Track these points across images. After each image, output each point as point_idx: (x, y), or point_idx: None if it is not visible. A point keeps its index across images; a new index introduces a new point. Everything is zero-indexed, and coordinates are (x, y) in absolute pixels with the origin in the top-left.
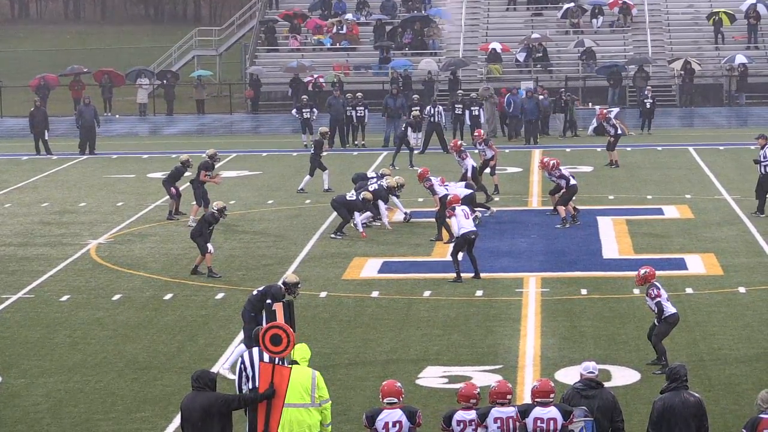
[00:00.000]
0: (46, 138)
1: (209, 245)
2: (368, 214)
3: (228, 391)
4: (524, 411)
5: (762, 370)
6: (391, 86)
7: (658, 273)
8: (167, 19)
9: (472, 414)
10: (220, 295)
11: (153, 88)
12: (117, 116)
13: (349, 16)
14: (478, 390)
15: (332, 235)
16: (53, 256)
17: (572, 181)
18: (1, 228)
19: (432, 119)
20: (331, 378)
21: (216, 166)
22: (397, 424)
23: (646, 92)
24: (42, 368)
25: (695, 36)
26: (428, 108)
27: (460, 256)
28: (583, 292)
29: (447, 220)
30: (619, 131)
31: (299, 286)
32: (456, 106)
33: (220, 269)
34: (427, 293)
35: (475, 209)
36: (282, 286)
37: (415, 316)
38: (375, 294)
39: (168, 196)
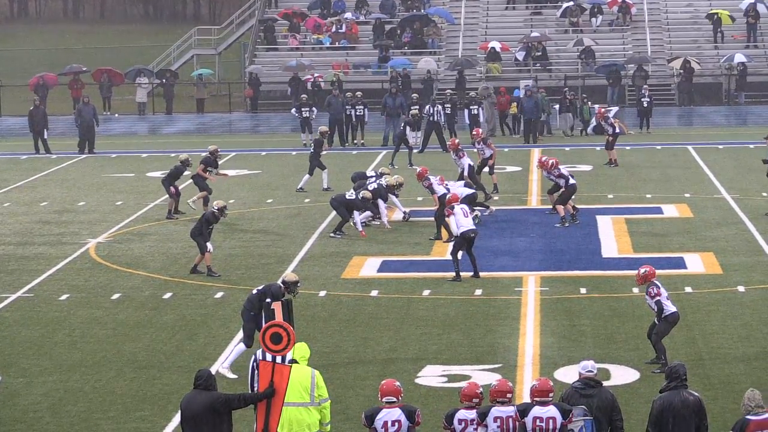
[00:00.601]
0: (46, 137)
1: (209, 244)
2: (368, 213)
3: (227, 391)
4: (523, 410)
5: (761, 369)
6: (390, 85)
7: (658, 272)
8: (166, 18)
9: (474, 413)
10: (219, 294)
11: (152, 87)
12: (116, 115)
13: (348, 15)
14: (481, 389)
15: (332, 234)
16: (52, 255)
17: (571, 180)
18: (0, 227)
19: (431, 118)
20: (331, 377)
21: (219, 164)
22: (396, 423)
23: (643, 91)
24: (41, 367)
25: (694, 35)
26: (427, 107)
27: (460, 254)
28: (583, 291)
29: (446, 219)
30: (618, 130)
31: (299, 285)
32: (445, 105)
33: (220, 268)
34: (426, 292)
35: (474, 208)
36: (281, 285)
37: (415, 315)
38: (374, 293)
39: (167, 195)
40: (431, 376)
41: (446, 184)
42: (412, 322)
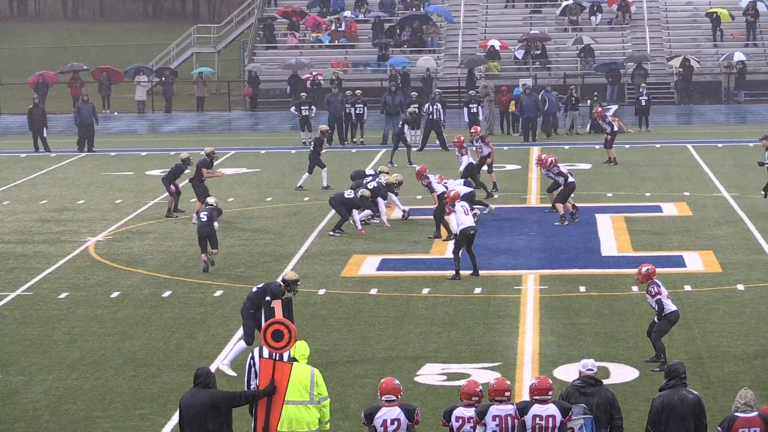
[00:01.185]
0: (45, 135)
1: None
2: (367, 212)
3: (226, 389)
4: (523, 408)
5: (760, 368)
6: (389, 84)
7: (657, 270)
8: (166, 17)
9: (471, 411)
10: (218, 293)
11: (151, 85)
12: (115, 113)
13: (347, 13)
14: (480, 388)
15: (331, 233)
16: (52, 253)
17: (570, 179)
18: None
19: (431, 117)
20: (330, 375)
21: (214, 164)
22: (396, 422)
23: (641, 90)
24: (40, 365)
25: (694, 33)
26: (426, 106)
27: (459, 252)
28: (582, 289)
29: (446, 217)
30: (616, 128)
31: (299, 283)
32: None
33: (219, 267)
34: (425, 290)
35: (474, 207)
36: (281, 283)
37: (414, 313)
38: (373, 291)
39: (167, 194)
40: (430, 374)
41: (445, 182)
42: (412, 320)
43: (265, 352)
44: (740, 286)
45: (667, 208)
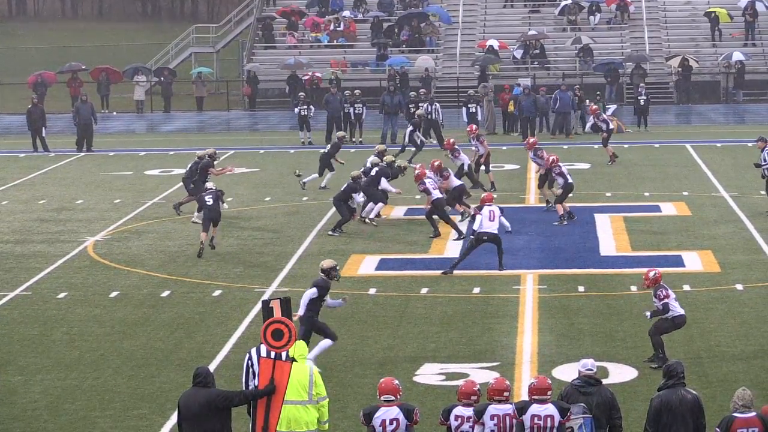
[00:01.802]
0: (44, 135)
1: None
2: (378, 206)
3: (225, 389)
4: (521, 408)
5: (759, 367)
6: (388, 83)
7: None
8: (164, 16)
9: (470, 410)
10: (217, 293)
11: (150, 85)
12: (114, 113)
13: (346, 13)
14: (478, 387)
15: (330, 232)
16: (50, 253)
17: (569, 179)
18: None
19: (429, 116)
20: (329, 375)
21: (215, 164)
22: (395, 422)
23: (640, 89)
24: (39, 365)
25: (692, 33)
26: (425, 105)
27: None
28: (581, 289)
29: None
30: (611, 126)
31: (337, 268)
32: (420, 105)
33: (217, 266)
34: (424, 290)
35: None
36: (322, 274)
37: (413, 313)
38: (372, 291)
39: (188, 193)
40: (429, 374)
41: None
42: (410, 320)
43: (264, 351)
44: (739, 286)
45: (666, 207)
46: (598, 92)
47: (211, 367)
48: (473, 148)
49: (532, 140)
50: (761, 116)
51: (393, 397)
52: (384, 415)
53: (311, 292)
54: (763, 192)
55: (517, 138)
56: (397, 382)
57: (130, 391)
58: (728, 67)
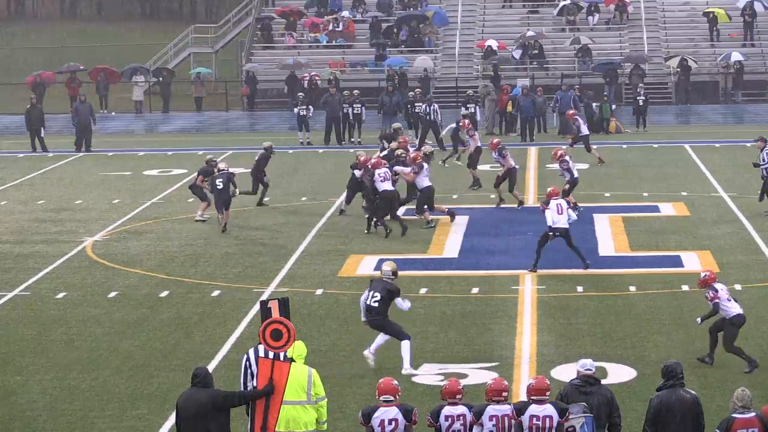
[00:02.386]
0: (42, 135)
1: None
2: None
3: (223, 389)
4: (520, 408)
5: (758, 367)
6: (386, 84)
7: (655, 270)
8: (163, 16)
9: (459, 409)
10: (216, 293)
11: (149, 85)
12: (113, 113)
13: (345, 13)
14: (462, 385)
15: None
16: (49, 253)
17: (575, 175)
18: None
19: (428, 117)
20: (328, 375)
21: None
22: (394, 422)
23: (638, 90)
24: (38, 365)
25: (691, 33)
26: (424, 106)
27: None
28: (579, 289)
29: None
30: (582, 130)
31: (395, 271)
32: (417, 105)
33: (216, 267)
34: (423, 290)
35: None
36: (384, 276)
37: (411, 313)
38: None
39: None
40: (428, 374)
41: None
42: (409, 320)
43: (262, 351)
44: (738, 286)
45: (665, 208)
46: (605, 93)
47: (210, 367)
48: (467, 143)
49: (495, 141)
50: (760, 116)
51: (392, 398)
52: (383, 416)
53: (399, 300)
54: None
55: (515, 138)
56: (396, 382)
57: (128, 391)
58: (727, 68)
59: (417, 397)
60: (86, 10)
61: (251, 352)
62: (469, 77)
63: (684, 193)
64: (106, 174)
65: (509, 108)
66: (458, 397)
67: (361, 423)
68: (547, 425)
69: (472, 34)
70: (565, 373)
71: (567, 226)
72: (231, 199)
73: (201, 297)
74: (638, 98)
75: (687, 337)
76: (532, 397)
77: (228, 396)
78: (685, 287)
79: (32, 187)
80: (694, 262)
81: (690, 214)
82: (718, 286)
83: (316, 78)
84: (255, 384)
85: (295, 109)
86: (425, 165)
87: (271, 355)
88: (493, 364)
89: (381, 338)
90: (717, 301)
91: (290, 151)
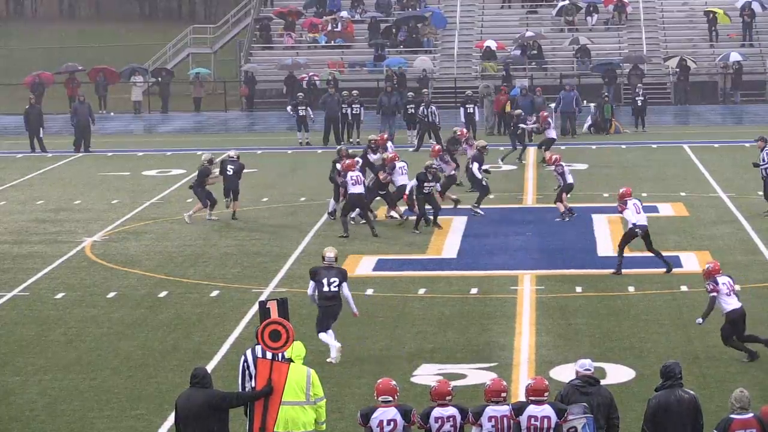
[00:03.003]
0: (41, 136)
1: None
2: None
3: (222, 389)
4: (518, 409)
5: (756, 368)
6: (385, 84)
7: (654, 270)
8: (162, 17)
9: (449, 410)
10: (215, 293)
11: (147, 85)
12: (112, 114)
13: (344, 13)
14: (452, 386)
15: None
16: (48, 253)
17: (569, 179)
18: None
19: (426, 119)
20: (326, 376)
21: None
22: (392, 423)
23: (637, 90)
24: (37, 366)
25: (690, 34)
26: (421, 108)
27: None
28: (578, 289)
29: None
30: (549, 134)
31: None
32: (408, 107)
33: (215, 267)
34: (421, 291)
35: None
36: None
37: (410, 313)
38: (369, 291)
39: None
40: (427, 375)
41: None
42: (408, 320)
43: (260, 351)
44: (737, 287)
45: (664, 208)
46: (606, 93)
47: (209, 367)
48: (465, 151)
49: (437, 147)
50: (759, 116)
51: (390, 398)
52: (382, 416)
53: (346, 284)
54: (760, 193)
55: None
56: (394, 382)
57: (127, 391)
58: (726, 68)
59: (416, 398)
60: (85, 11)
61: (249, 353)
62: (468, 77)
63: (683, 194)
64: (105, 174)
65: (507, 108)
66: (448, 398)
67: (360, 423)
68: (545, 426)
69: (470, 35)
70: (564, 373)
71: (646, 224)
72: (237, 188)
73: (200, 297)
74: (637, 98)
75: (686, 338)
76: (530, 398)
77: (226, 397)
78: (684, 287)
79: (31, 187)
80: (692, 262)
81: (689, 215)
82: (721, 279)
83: (315, 78)
84: (253, 385)
85: (288, 108)
86: (397, 165)
87: (269, 355)
88: (492, 364)
89: (331, 336)
90: (714, 294)
91: (289, 152)
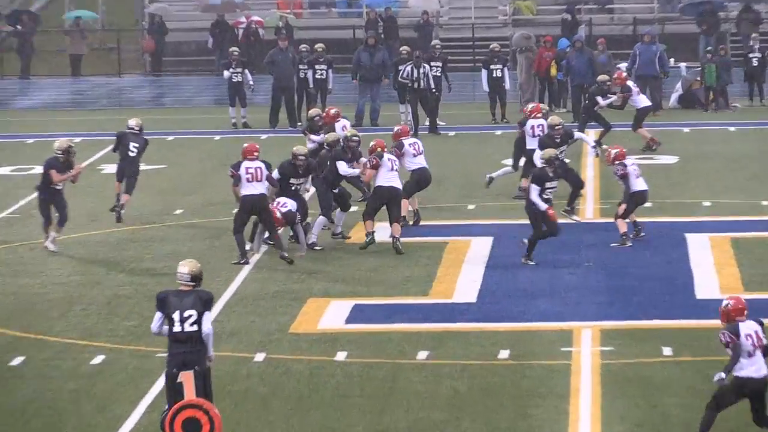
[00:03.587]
0: None
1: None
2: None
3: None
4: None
5: None
6: (366, 34)
7: None
8: None
9: None
10: (98, 359)
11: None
12: None
13: None
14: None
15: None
16: None
17: (641, 186)
18: None
19: (413, 85)
20: None
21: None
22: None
23: (752, 43)
24: None
25: None
26: (408, 68)
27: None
28: (667, 352)
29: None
30: (637, 101)
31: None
32: (400, 68)
33: (99, 318)
34: (422, 354)
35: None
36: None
37: (404, 390)
38: (341, 356)
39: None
40: None
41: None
42: (401, 402)
43: None
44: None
45: None
46: (709, 48)
47: None
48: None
49: (400, 128)
50: None
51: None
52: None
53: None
54: None
55: (565, 116)
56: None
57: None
58: None
59: None
60: None
61: None
62: (494, 24)
63: None
64: None
65: (553, 71)
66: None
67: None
68: None
69: None
70: None
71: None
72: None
73: (75, 366)
74: (751, 56)
75: None
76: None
77: None
78: None
79: None
80: None
81: None
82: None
83: (258, 25)
84: None
85: (225, 73)
86: (385, 156)
87: None
88: None
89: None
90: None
91: (216, 138)
